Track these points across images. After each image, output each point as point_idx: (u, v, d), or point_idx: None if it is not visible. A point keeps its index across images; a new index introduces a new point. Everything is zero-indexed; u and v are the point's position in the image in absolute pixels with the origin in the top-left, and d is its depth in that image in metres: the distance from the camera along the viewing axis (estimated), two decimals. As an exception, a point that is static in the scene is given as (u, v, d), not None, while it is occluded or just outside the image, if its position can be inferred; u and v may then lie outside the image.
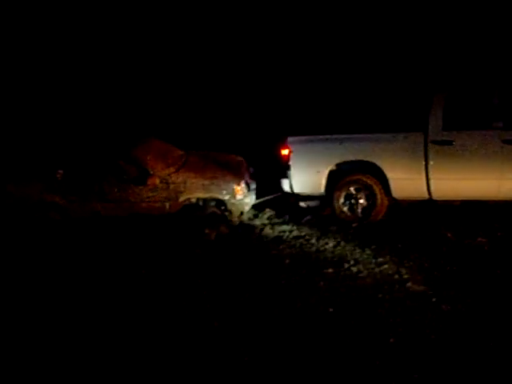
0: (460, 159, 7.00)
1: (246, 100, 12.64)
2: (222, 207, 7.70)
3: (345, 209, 7.62)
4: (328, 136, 7.74)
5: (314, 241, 6.90)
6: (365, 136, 7.55)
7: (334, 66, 12.52)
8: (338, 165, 7.62)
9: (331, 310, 4.80)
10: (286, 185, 7.91)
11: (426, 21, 12.37)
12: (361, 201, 7.58)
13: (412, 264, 5.79)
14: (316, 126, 8.20)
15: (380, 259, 5.97)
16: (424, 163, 7.14)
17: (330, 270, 5.76)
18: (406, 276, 5.45)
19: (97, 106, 12.23)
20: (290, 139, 7.89)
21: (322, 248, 6.60)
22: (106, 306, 5.30)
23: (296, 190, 7.89)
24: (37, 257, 6.86)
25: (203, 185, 7.69)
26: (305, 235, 7.19)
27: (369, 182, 7.48)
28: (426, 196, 7.29)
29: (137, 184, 7.62)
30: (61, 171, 7.69)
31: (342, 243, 6.69)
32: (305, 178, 7.79)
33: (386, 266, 5.76)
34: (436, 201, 7.36)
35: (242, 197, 7.80)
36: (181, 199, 7.65)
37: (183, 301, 5.31)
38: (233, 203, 7.73)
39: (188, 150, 8.64)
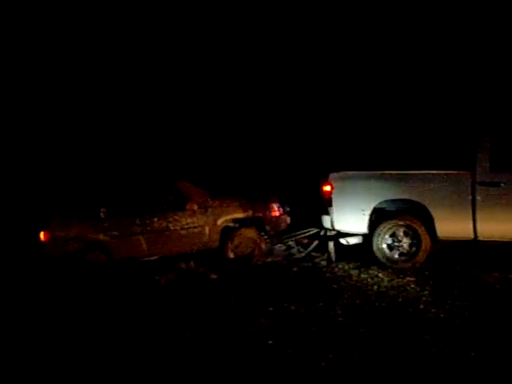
0: (508, 201, 6.94)
1: (291, 135, 12.91)
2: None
3: (388, 252, 7.59)
4: (372, 172, 7.61)
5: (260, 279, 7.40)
6: (411, 174, 7.43)
7: (383, 101, 12.66)
8: (381, 203, 7.52)
9: (270, 342, 5.26)
10: (326, 221, 7.79)
11: (475, 65, 12.79)
12: (404, 242, 7.54)
13: (345, 302, 6.35)
14: (360, 162, 8.09)
15: (316, 298, 6.51)
16: (471, 204, 7.09)
17: (271, 309, 6.23)
18: (338, 312, 5.99)
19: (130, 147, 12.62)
20: (332, 175, 7.75)
21: (268, 288, 7.07)
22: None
23: (337, 227, 7.77)
24: None
25: (240, 205, 8.21)
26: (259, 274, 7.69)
27: (413, 224, 7.37)
28: (472, 236, 7.21)
29: (176, 210, 8.01)
30: (104, 209, 7.99)
31: (283, 283, 7.20)
32: (347, 215, 7.66)
33: (321, 303, 6.30)
34: (478, 241, 7.27)
35: (278, 214, 8.24)
36: (219, 222, 8.16)
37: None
38: (270, 221, 8.17)
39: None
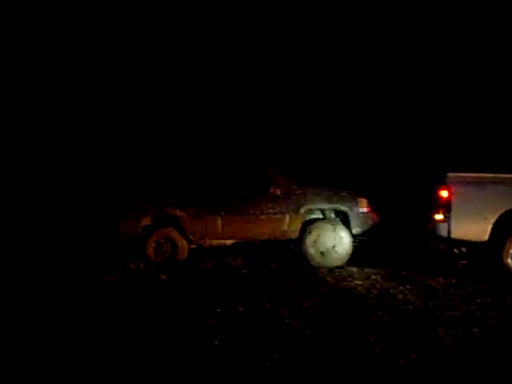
0: None
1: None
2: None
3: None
4: (501, 175, 6.93)
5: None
6: None
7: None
8: (508, 211, 6.79)
9: (216, 342, 5.25)
10: (442, 229, 7.09)
11: None
12: None
13: (293, 304, 6.41)
14: (484, 162, 7.15)
15: (265, 300, 6.54)
16: None
17: (219, 310, 6.22)
18: (285, 313, 6.04)
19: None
20: (451, 178, 7.00)
21: (218, 289, 7.08)
22: None
23: (454, 236, 7.07)
24: None
25: (325, 195, 7.89)
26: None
27: None
28: None
29: (258, 194, 7.83)
30: (184, 185, 7.94)
31: (233, 285, 7.25)
32: (468, 223, 6.94)
33: (268, 305, 6.34)
34: None
35: (366, 210, 7.92)
36: (302, 210, 7.84)
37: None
38: (356, 215, 7.80)
39: None
